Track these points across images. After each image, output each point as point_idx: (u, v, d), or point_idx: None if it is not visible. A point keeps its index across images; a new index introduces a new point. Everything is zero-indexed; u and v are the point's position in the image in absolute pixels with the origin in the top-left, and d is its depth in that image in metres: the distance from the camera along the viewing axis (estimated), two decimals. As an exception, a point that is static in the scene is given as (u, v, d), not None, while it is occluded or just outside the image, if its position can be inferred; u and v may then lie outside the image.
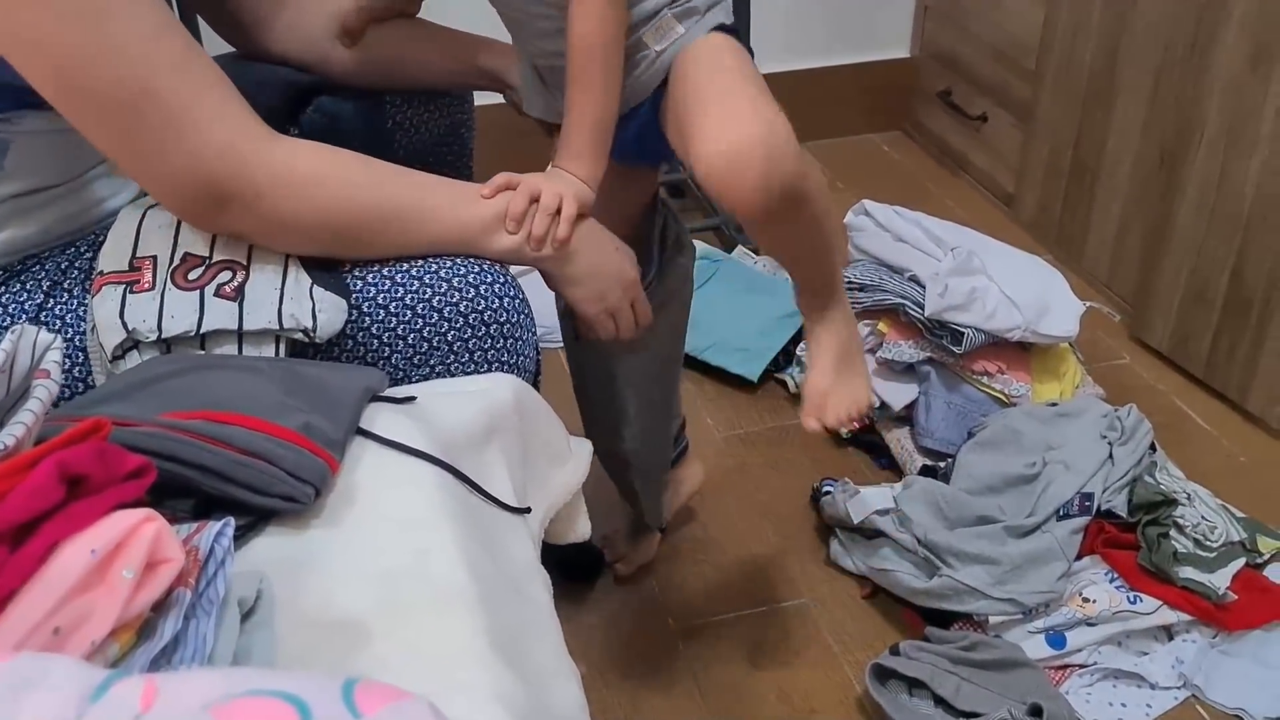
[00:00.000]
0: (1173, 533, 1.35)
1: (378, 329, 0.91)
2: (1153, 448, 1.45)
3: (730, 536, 1.53)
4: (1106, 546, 1.34)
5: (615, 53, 0.95)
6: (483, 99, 1.29)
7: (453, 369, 0.94)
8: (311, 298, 0.87)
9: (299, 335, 0.87)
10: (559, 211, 0.94)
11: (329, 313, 0.87)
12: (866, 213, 1.71)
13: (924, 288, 1.56)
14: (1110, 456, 1.40)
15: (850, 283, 1.65)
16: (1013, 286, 1.56)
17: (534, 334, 0.97)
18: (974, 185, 2.39)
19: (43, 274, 0.92)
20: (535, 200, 0.94)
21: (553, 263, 0.97)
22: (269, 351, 0.87)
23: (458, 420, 0.86)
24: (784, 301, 1.89)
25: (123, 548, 0.51)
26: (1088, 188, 2.02)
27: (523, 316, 0.95)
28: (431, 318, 0.91)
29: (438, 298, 0.92)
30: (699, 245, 2.06)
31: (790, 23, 2.42)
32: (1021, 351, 1.61)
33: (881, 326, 1.61)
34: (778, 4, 2.34)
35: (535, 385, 1.00)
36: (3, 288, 0.90)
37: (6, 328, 0.88)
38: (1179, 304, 1.78)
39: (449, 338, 0.92)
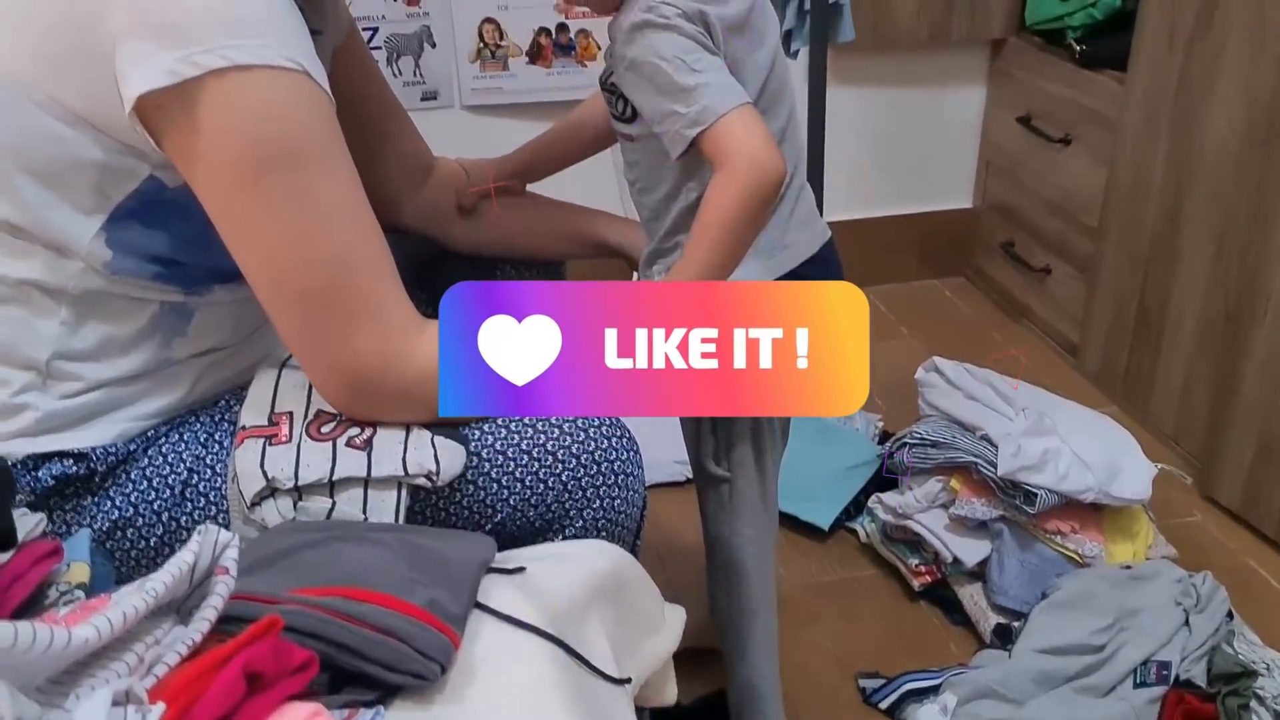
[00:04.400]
0: (1253, 704, 1.35)
1: (496, 473, 0.97)
2: (1230, 615, 1.45)
3: (805, 688, 1.54)
4: (1187, 718, 1.34)
5: (731, 232, 1.02)
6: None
7: (567, 508, 0.99)
8: (433, 445, 0.94)
9: (422, 480, 0.93)
10: None
11: (449, 457, 0.94)
12: (937, 369, 1.76)
13: (996, 447, 1.59)
14: (1187, 624, 1.41)
15: (923, 439, 1.68)
16: (1084, 448, 1.59)
17: (642, 479, 1.02)
18: (1038, 334, 2.44)
19: (199, 426, 1.00)
20: None
21: None
22: (392, 496, 0.93)
23: (563, 589, 0.91)
24: (855, 451, 1.93)
25: (296, 741, 0.56)
26: (1153, 343, 2.05)
27: (633, 456, 1.01)
28: (546, 460, 0.97)
29: (551, 442, 0.98)
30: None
31: (858, 174, 2.52)
32: (1094, 511, 1.63)
33: (954, 483, 1.64)
34: (847, 157, 2.44)
35: (639, 534, 1.05)
36: (164, 440, 0.99)
37: (166, 476, 0.97)
38: (1249, 463, 1.80)
39: (563, 479, 0.98)
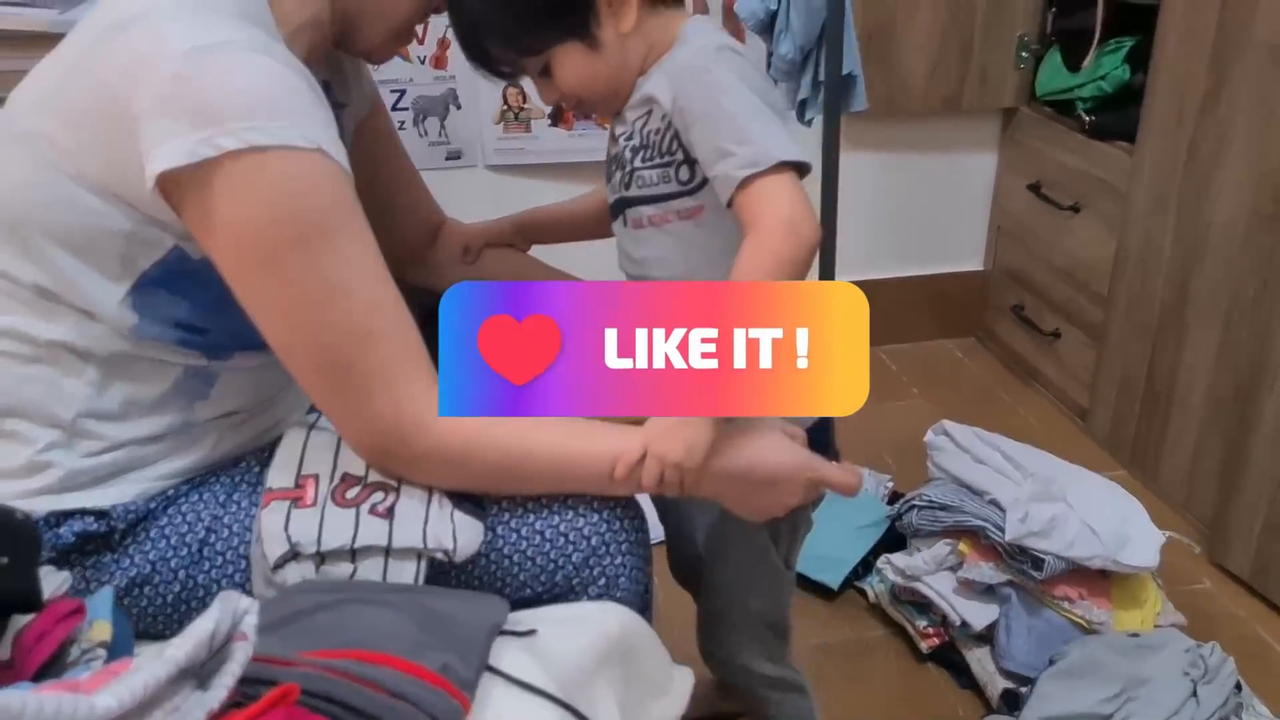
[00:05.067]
0: (1261, 778, 1.34)
1: (509, 549, 0.99)
2: (1238, 687, 1.45)
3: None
4: (1194, 790, 1.34)
5: None
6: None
7: (574, 586, 1.01)
8: (452, 521, 0.96)
9: (439, 555, 0.95)
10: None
11: (467, 535, 0.96)
12: (946, 433, 1.77)
13: (1004, 511, 1.60)
14: (1195, 695, 1.41)
15: (931, 502, 1.70)
16: (1092, 515, 1.60)
17: (649, 555, 1.04)
18: (1047, 396, 2.45)
19: (218, 486, 1.02)
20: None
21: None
22: (411, 566, 0.95)
23: (572, 652, 0.93)
24: (865, 511, 1.94)
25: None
26: (1162, 411, 2.06)
27: (642, 535, 1.03)
28: (559, 543, 1.00)
29: (565, 523, 1.00)
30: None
31: (871, 237, 2.55)
32: (1102, 578, 1.64)
33: (962, 547, 1.65)
34: (860, 220, 2.47)
35: (649, 597, 1.07)
36: (184, 499, 1.01)
37: (185, 535, 0.99)
38: (1259, 532, 1.80)
39: (574, 560, 1.00)
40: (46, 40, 1.07)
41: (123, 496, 0.99)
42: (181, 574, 0.99)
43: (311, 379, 0.95)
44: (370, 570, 0.94)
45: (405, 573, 0.95)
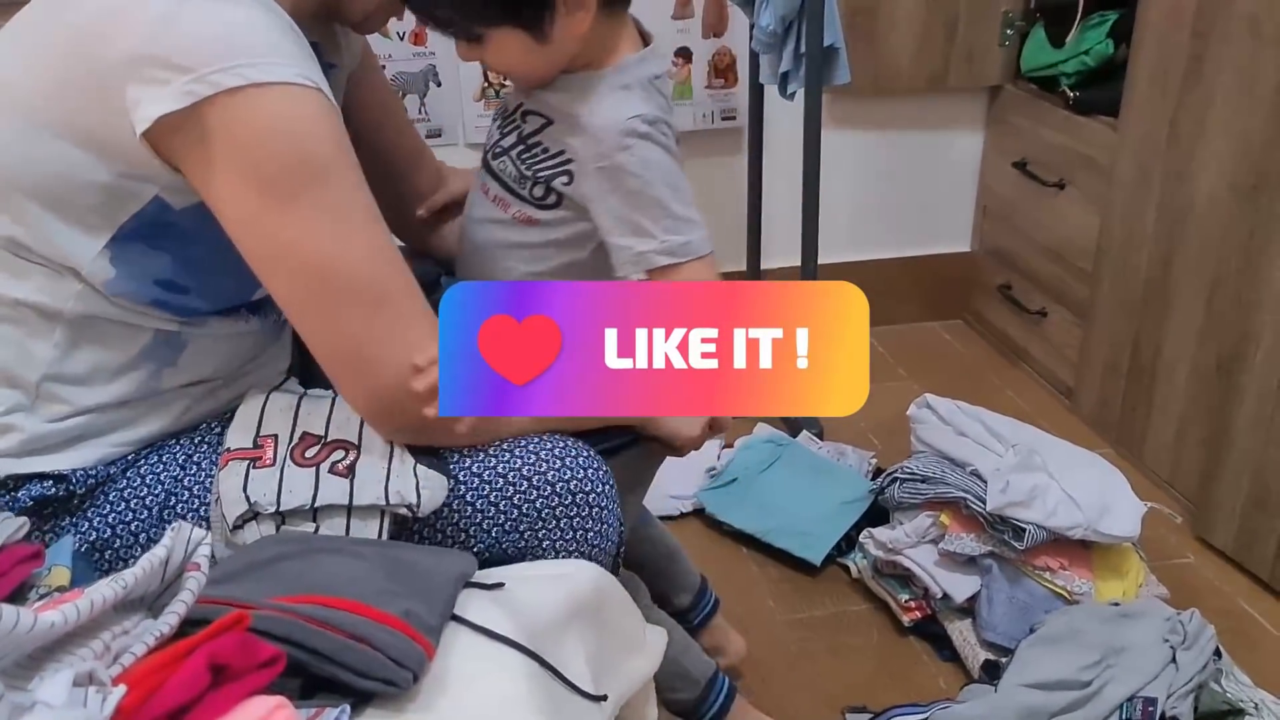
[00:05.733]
0: (1240, 743, 1.34)
1: (472, 496, 0.99)
2: (1218, 654, 1.45)
3: (792, 724, 1.54)
4: (1172, 755, 1.33)
5: None
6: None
7: (540, 537, 1.00)
8: (415, 475, 0.95)
9: (403, 510, 0.94)
10: None
11: (432, 489, 0.95)
12: (929, 406, 1.77)
13: (985, 483, 1.60)
14: (1174, 661, 1.40)
15: (913, 474, 1.69)
16: (1073, 485, 1.59)
17: (616, 509, 1.04)
18: (1034, 376, 2.45)
19: (178, 448, 1.01)
20: None
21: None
22: (374, 524, 0.94)
23: (541, 605, 0.92)
24: (848, 487, 1.94)
25: (258, 732, 0.57)
26: (1146, 387, 2.06)
27: (607, 489, 1.02)
28: (521, 486, 0.99)
29: (527, 468, 0.99)
30: (764, 429, 2.14)
31: (856, 217, 2.55)
32: (1083, 549, 1.63)
33: (944, 519, 1.65)
34: (844, 200, 2.47)
35: (618, 557, 1.06)
36: (143, 462, 1.00)
37: (145, 497, 0.98)
38: (1241, 508, 1.79)
39: (538, 506, 0.99)
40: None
41: (83, 461, 0.98)
42: (142, 537, 0.98)
43: (319, 325, 0.93)
44: (333, 529, 0.93)
45: (369, 530, 0.94)
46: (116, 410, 0.99)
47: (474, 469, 0.99)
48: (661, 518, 1.84)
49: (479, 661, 0.83)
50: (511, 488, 0.99)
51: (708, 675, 1.36)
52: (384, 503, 0.93)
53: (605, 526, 1.02)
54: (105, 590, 0.56)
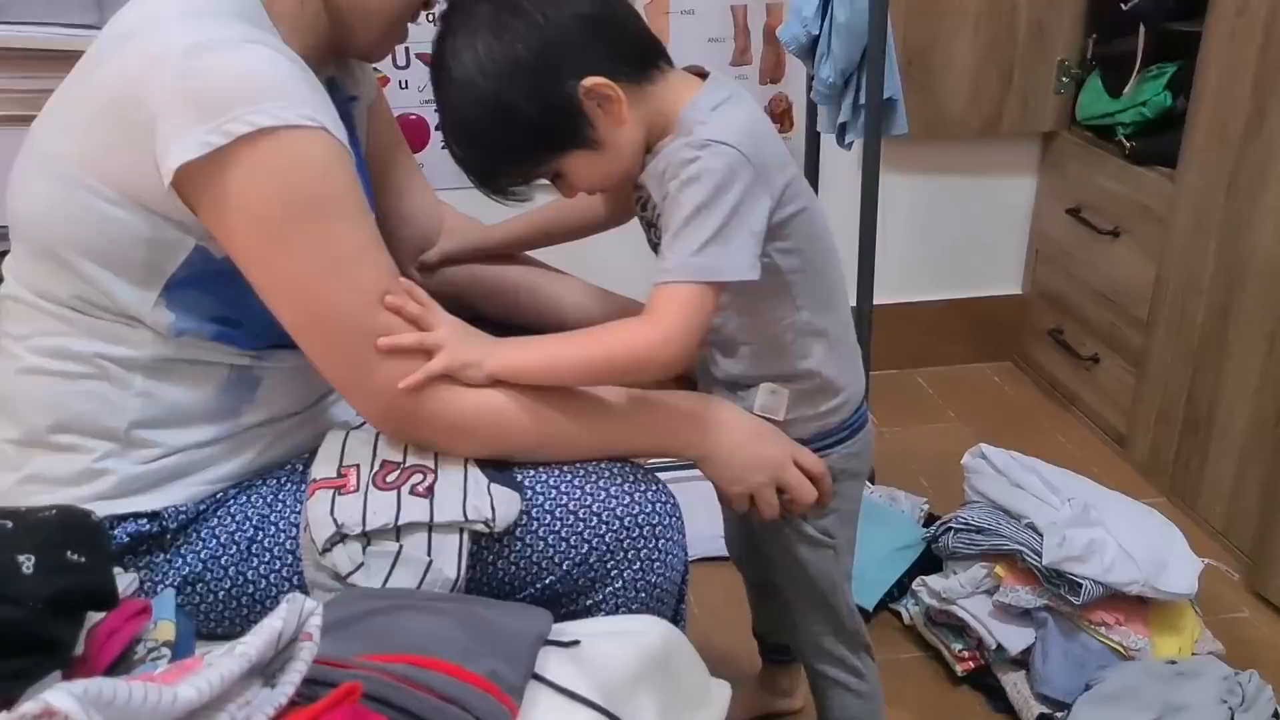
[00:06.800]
0: (1300, 808, 1.34)
1: (544, 531, 1.03)
2: (1276, 715, 1.45)
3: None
4: (1231, 818, 1.33)
5: (593, 366, 1.05)
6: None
7: (609, 568, 1.04)
8: (489, 494, 1.00)
9: (480, 526, 0.99)
10: None
11: (505, 505, 1.00)
12: (984, 456, 1.78)
13: (1041, 535, 1.61)
14: (1232, 722, 1.40)
15: (968, 525, 1.70)
16: (1131, 540, 1.60)
17: (684, 544, 1.08)
18: (1084, 421, 2.44)
19: (265, 488, 1.06)
20: None
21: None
22: (454, 539, 0.99)
23: (614, 662, 0.95)
24: (901, 533, 1.94)
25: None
26: (1202, 437, 2.06)
27: (674, 520, 1.06)
28: (591, 521, 1.03)
29: (597, 504, 1.04)
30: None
31: (908, 259, 2.56)
32: (1140, 604, 1.63)
33: (999, 570, 1.66)
34: (897, 242, 2.49)
35: (683, 592, 1.10)
36: (232, 501, 1.05)
37: (234, 533, 1.03)
38: (1299, 561, 1.79)
39: (607, 540, 1.03)
40: (64, 58, 1.10)
41: (175, 499, 1.03)
42: (232, 570, 1.02)
43: (321, 352, 0.99)
44: (415, 547, 0.98)
45: (449, 545, 0.99)
46: (202, 449, 1.04)
47: (546, 505, 1.03)
48: (709, 559, 1.86)
49: (559, 720, 0.86)
50: (582, 524, 1.03)
51: None
52: (463, 519, 0.98)
53: (671, 558, 1.06)
54: (231, 664, 0.60)
